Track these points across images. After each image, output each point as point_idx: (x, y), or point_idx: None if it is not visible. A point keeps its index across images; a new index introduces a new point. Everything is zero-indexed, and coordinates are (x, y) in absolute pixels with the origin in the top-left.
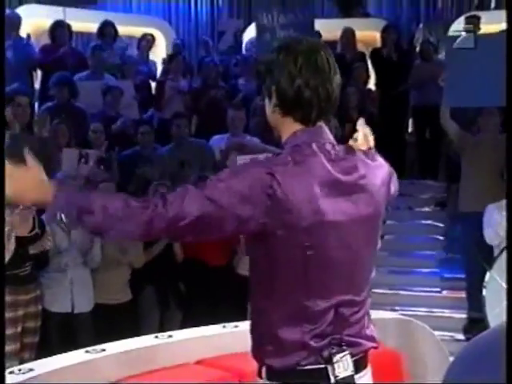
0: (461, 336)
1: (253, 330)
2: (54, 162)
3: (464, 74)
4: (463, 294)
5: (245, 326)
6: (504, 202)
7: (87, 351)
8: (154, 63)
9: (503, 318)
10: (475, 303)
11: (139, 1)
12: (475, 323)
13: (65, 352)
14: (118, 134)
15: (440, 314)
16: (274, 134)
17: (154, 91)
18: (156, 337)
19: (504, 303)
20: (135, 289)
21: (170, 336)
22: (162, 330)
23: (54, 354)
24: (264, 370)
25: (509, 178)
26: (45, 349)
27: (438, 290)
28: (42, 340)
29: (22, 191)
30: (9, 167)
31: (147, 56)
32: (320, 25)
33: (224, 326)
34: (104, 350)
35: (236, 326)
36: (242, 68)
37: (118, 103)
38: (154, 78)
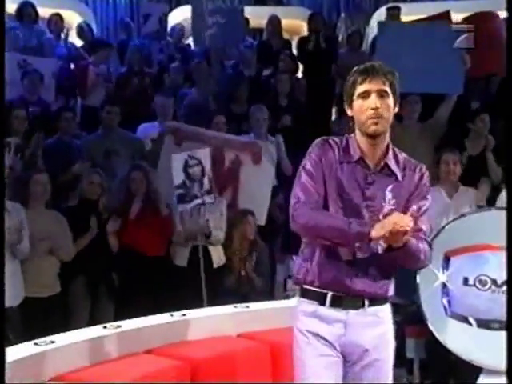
0: None
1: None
2: None
3: (393, 60)
4: None
5: (192, 314)
6: (433, 189)
7: (36, 343)
8: (74, 46)
9: (433, 300)
10: (396, 288)
11: None
12: (396, 307)
13: None
14: (38, 120)
15: None
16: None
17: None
18: (104, 327)
19: (434, 285)
20: (65, 280)
21: (119, 326)
22: (92, 322)
23: None
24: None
25: (508, 177)
26: None
27: None
28: None
29: None
30: None
31: (64, 38)
32: (246, 11)
33: (172, 315)
34: (53, 342)
35: (184, 315)
36: (175, 55)
37: (37, 88)
38: (73, 61)
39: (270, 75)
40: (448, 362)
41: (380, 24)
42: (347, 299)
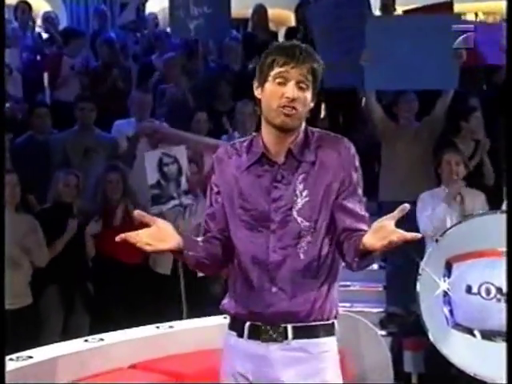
0: (383, 332)
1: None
2: None
3: (386, 55)
4: (380, 288)
5: (180, 326)
6: (437, 190)
7: (11, 359)
8: (40, 35)
9: (434, 310)
10: (393, 297)
11: None
12: (392, 317)
13: None
14: (7, 116)
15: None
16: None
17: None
18: (86, 340)
19: (435, 294)
20: (37, 290)
21: (102, 339)
22: (66, 334)
23: None
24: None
25: (508, 178)
26: None
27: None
28: None
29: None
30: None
31: (31, 27)
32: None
33: (157, 327)
34: (31, 357)
35: (171, 327)
36: (152, 47)
37: (5, 82)
38: (42, 53)
39: (255, 69)
40: (448, 376)
41: (370, 18)
42: (265, 329)
